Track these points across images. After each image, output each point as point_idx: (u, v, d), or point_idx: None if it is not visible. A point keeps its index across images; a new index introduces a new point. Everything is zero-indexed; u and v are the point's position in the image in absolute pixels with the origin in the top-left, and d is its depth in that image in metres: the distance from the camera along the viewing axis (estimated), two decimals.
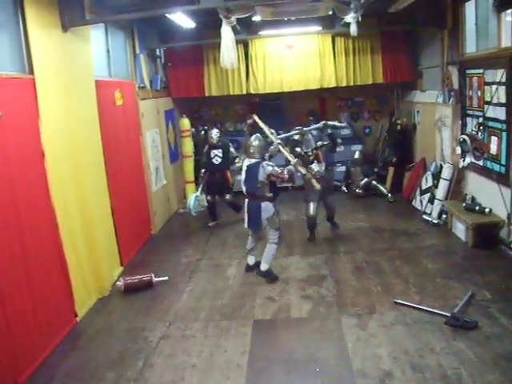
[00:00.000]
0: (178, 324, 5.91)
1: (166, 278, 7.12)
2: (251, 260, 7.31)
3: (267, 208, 6.86)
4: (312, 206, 8.28)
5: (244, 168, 6.99)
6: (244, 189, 7.01)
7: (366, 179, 11.21)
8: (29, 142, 5.34)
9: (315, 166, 7.47)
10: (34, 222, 5.31)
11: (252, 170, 6.86)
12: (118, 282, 6.94)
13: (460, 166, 8.35)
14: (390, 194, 10.82)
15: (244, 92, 11.45)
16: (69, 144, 6.11)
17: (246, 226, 7.18)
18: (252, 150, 6.92)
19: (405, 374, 4.60)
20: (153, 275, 7.00)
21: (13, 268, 4.83)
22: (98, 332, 5.86)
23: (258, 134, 7.19)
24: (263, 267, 6.95)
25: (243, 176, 7.00)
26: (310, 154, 7.84)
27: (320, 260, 7.64)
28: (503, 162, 7.18)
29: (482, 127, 7.66)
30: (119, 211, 7.60)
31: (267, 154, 7.03)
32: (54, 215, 5.70)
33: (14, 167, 4.97)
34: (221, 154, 9.52)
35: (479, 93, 7.83)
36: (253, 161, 6.89)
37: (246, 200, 7.06)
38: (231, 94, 11.49)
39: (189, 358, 5.15)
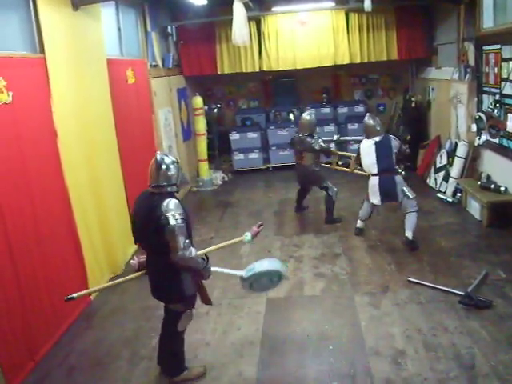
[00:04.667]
0: None
1: None
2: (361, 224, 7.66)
3: (400, 180, 7.08)
4: None
5: (371, 147, 7.08)
6: (376, 168, 7.03)
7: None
8: (41, 121, 5.35)
9: None
10: (48, 202, 5.33)
11: (384, 145, 7.05)
12: (131, 261, 6.90)
13: (475, 144, 8.27)
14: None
15: (257, 69, 11.38)
16: (81, 123, 6.10)
17: (378, 202, 7.15)
18: (379, 128, 7.19)
19: (418, 352, 4.60)
20: None
21: (27, 247, 4.88)
22: (112, 310, 5.92)
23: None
24: (410, 236, 6.92)
25: (373, 155, 7.04)
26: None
27: (333, 238, 7.63)
28: None
29: (498, 104, 7.54)
30: (132, 190, 7.59)
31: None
32: (68, 194, 5.73)
33: (26, 147, 4.98)
34: None
35: (496, 69, 7.67)
36: (378, 138, 7.09)
37: (377, 178, 7.03)
38: (244, 71, 11.41)
39: (202, 336, 5.19)
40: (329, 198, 8.17)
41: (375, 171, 7.04)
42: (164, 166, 4.14)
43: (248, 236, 4.69)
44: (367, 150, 7.15)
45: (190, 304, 4.46)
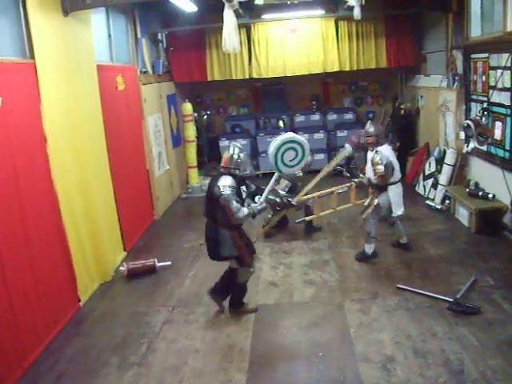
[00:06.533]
0: (181, 308, 5.93)
1: (169, 262, 7.13)
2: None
3: None
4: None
5: (392, 152, 6.82)
6: (399, 176, 6.80)
7: None
8: (31, 127, 5.33)
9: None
10: (37, 208, 5.31)
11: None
12: (120, 267, 6.96)
13: (464, 152, 8.31)
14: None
15: (247, 76, 11.39)
16: (71, 129, 6.09)
17: (403, 211, 6.86)
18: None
19: (407, 358, 4.62)
20: (156, 260, 7.02)
21: (16, 253, 4.85)
22: (101, 317, 5.89)
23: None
24: (403, 241, 7.17)
25: (396, 161, 6.78)
26: None
27: (323, 245, 7.64)
28: (507, 147, 7.12)
29: (486, 112, 7.60)
30: (122, 196, 7.59)
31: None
32: (57, 200, 5.70)
33: (16, 152, 4.95)
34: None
35: (484, 77, 7.76)
36: (390, 146, 6.92)
37: (400, 184, 6.80)
38: (234, 78, 11.41)
39: (192, 343, 5.18)
40: (309, 208, 7.99)
41: (399, 178, 6.83)
42: (236, 156, 5.26)
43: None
44: (392, 155, 6.78)
45: (242, 263, 5.46)
